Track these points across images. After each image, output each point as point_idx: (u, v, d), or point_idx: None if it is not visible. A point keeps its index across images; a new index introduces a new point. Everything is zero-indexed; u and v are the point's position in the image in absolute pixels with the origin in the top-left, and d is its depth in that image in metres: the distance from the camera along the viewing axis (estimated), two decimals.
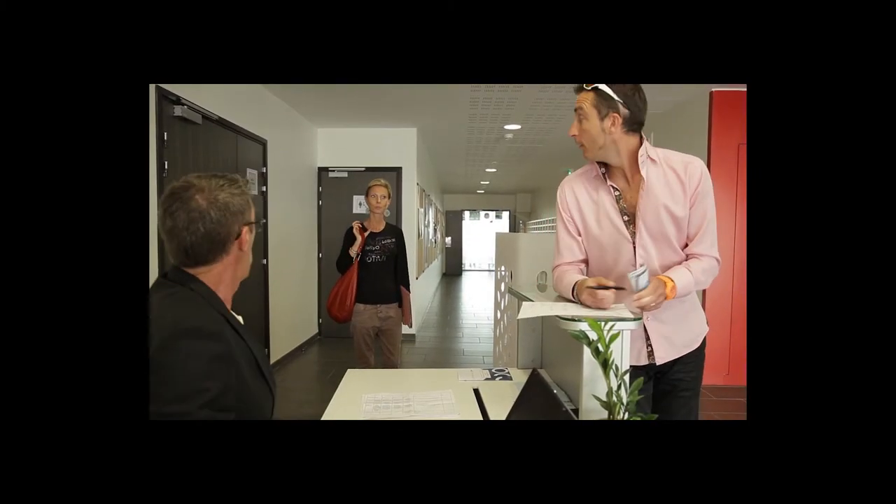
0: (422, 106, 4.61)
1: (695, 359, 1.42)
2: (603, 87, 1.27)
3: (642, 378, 1.01)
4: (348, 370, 1.78)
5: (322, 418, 1.35)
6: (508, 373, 1.74)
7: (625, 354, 1.11)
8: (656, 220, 1.30)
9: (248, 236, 0.99)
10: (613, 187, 1.36)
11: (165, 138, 2.67)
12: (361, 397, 1.49)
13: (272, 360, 4.33)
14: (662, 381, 1.43)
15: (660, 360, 1.36)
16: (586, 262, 1.45)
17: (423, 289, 7.10)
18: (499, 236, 2.35)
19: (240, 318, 1.04)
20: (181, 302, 0.92)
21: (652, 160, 1.32)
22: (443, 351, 5.34)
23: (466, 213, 15.21)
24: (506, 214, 15.21)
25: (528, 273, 1.93)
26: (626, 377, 1.00)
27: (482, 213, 15.60)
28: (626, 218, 1.34)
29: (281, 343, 4.53)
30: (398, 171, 5.61)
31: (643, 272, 1.18)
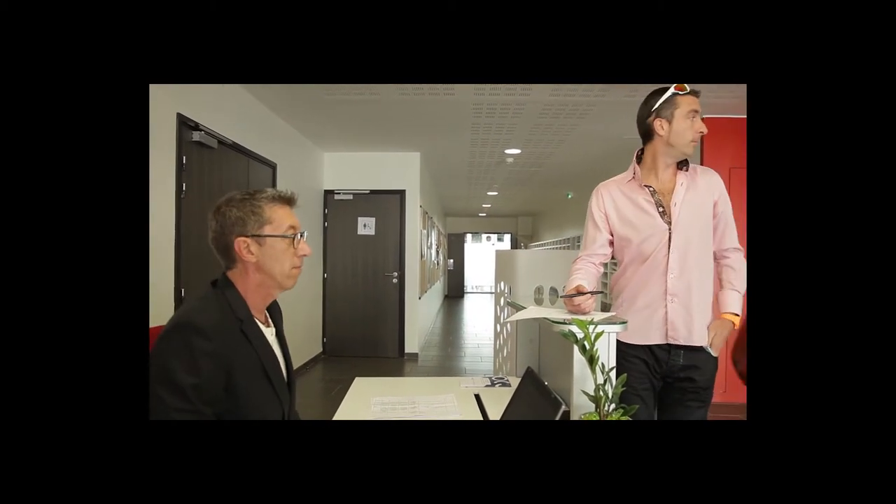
0: (425, 130, 4.78)
1: (704, 363, 1.50)
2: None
3: (626, 375, 1.12)
4: (356, 378, 1.89)
5: (334, 418, 1.46)
6: (507, 381, 1.85)
7: (611, 352, 1.22)
8: (689, 214, 1.50)
9: (247, 246, 1.04)
10: (647, 186, 1.54)
11: (184, 162, 2.82)
12: (371, 400, 1.60)
13: None
14: (669, 390, 1.53)
15: (671, 338, 1.48)
16: (607, 254, 1.63)
17: (425, 309, 7.19)
18: (498, 253, 2.49)
19: (270, 328, 1.13)
20: (198, 301, 1.03)
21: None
22: (445, 369, 5.41)
23: (469, 236, 15.36)
24: (507, 237, 15.35)
25: (525, 287, 2.05)
26: (612, 373, 1.11)
27: (484, 236, 15.76)
28: (661, 209, 1.51)
29: None
30: (402, 193, 5.77)
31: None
